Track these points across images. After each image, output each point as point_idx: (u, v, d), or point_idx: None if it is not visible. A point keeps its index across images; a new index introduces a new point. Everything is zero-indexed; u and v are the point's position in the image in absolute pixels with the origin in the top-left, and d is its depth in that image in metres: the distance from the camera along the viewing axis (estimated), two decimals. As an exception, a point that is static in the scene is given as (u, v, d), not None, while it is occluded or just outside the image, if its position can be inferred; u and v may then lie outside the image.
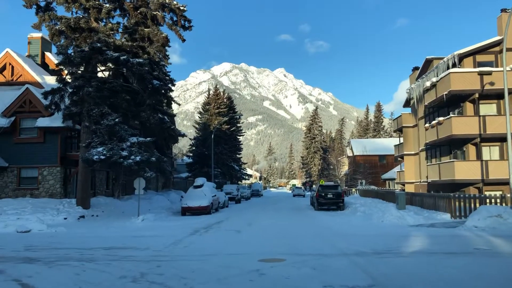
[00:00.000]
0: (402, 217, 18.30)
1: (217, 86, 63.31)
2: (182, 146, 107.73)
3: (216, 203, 26.22)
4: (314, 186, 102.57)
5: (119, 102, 20.40)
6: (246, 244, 11.50)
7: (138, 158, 19.48)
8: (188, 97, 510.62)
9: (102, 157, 18.76)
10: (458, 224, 16.55)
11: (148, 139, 21.06)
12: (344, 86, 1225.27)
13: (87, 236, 14.15)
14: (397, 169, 51.94)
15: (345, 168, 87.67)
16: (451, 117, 24.80)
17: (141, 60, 20.44)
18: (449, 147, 28.58)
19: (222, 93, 65.82)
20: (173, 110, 37.92)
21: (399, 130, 40.54)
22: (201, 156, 55.59)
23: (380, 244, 10.99)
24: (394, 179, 53.58)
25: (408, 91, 34.82)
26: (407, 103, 40.19)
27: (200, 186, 25.15)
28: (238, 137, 67.85)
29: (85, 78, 19.95)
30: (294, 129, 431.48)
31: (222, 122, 59.44)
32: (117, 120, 19.28)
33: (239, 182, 68.58)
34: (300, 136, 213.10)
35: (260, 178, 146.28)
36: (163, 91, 22.54)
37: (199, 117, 61.99)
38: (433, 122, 27.40)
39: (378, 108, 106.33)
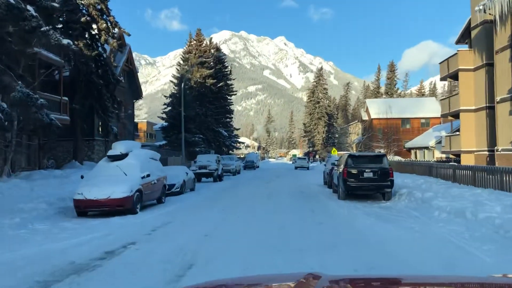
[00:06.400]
0: None
1: (201, 31, 50.07)
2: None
3: (158, 189, 13.94)
4: (317, 156, 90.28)
5: None
6: None
7: None
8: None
9: None
10: None
11: None
12: (345, 55, 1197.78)
13: None
14: (435, 133, 39.68)
15: (353, 137, 75.53)
16: None
17: None
18: None
19: (208, 42, 52.86)
20: (115, 42, 25.23)
21: (452, 77, 27.98)
22: (178, 118, 43.13)
23: None
24: (427, 147, 41.44)
25: (480, 8, 22.00)
26: (464, 36, 27.50)
27: (121, 157, 12.84)
28: (228, 97, 55.21)
29: None
30: (294, 99, 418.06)
31: (207, 75, 46.76)
32: None
33: (231, 152, 56.37)
34: (301, 106, 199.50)
35: (259, 148, 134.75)
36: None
37: (177, 70, 49.15)
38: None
39: (391, 68, 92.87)
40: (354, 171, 14.84)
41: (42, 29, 10.70)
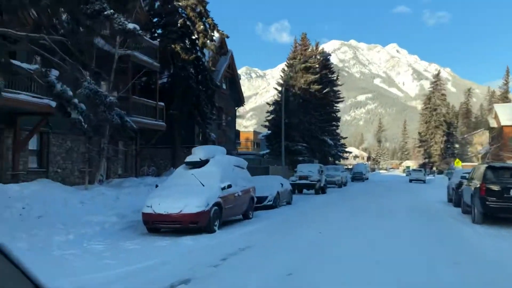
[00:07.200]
0: None
1: (306, 35, 47.97)
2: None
3: (243, 202, 11.78)
4: (434, 168, 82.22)
5: None
6: None
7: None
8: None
9: None
10: None
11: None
12: (464, 61, 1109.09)
13: None
14: None
15: (478, 147, 67.48)
16: None
17: None
18: None
19: (315, 47, 50.58)
20: (213, 43, 24.07)
21: None
22: (280, 126, 41.31)
23: None
24: None
25: None
26: None
27: (200, 164, 10.91)
28: (335, 104, 52.19)
29: None
30: (407, 108, 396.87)
31: (312, 81, 44.33)
32: None
33: (337, 162, 53.16)
34: (415, 115, 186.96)
35: (368, 159, 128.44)
36: None
37: (281, 76, 47.47)
38: None
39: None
40: (495, 188, 11.28)
41: (105, 12, 9.35)
